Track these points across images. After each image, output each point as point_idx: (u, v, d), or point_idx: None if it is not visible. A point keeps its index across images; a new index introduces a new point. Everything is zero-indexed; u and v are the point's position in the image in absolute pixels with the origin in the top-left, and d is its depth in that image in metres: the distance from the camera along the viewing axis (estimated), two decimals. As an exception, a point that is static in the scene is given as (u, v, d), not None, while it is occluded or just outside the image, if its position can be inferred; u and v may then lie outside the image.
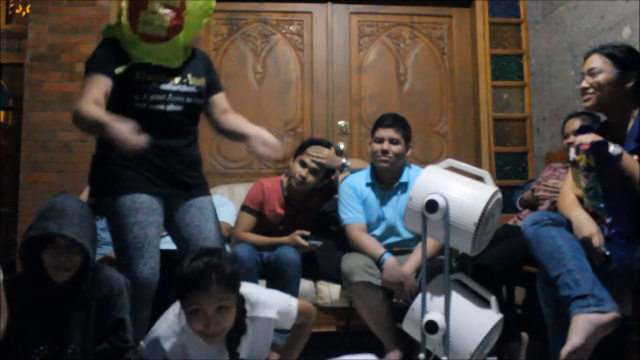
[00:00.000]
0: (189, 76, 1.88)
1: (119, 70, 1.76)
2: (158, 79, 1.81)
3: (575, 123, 2.36)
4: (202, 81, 1.91)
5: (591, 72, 1.79)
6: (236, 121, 1.96)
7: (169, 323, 1.51)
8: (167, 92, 1.82)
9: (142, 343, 1.53)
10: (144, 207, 1.77)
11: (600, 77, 1.76)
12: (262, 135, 1.83)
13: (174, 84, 1.84)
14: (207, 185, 1.99)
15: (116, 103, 1.78)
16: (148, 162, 1.79)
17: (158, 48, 1.79)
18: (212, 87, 1.98)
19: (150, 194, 1.79)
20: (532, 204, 2.47)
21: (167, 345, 1.49)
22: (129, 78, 1.78)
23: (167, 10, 1.74)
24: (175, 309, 1.52)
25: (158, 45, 1.78)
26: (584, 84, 1.81)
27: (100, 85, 1.75)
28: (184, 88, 1.85)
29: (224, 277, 1.40)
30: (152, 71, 1.81)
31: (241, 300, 1.49)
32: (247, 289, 1.53)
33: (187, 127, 1.90)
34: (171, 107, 1.82)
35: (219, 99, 2.00)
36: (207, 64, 1.99)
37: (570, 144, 1.83)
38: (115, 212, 1.77)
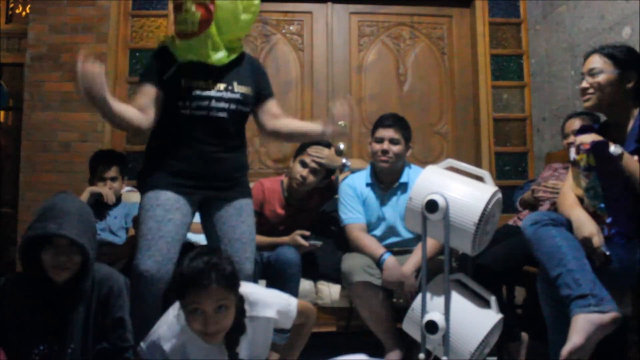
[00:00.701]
0: (235, 83, 1.89)
1: (167, 75, 1.83)
2: (202, 86, 1.84)
3: (575, 123, 2.37)
4: (248, 89, 1.93)
5: (591, 73, 1.79)
6: (292, 124, 2.03)
7: (169, 324, 1.51)
8: (210, 98, 1.84)
9: (142, 344, 1.53)
10: (167, 204, 1.80)
11: (601, 78, 1.76)
12: (328, 119, 1.90)
13: (218, 90, 1.86)
14: (248, 188, 2.01)
15: (165, 111, 1.86)
16: (188, 166, 1.85)
17: (194, 44, 1.82)
18: (262, 93, 2.00)
19: (178, 192, 1.82)
20: (532, 205, 2.47)
21: (167, 346, 1.49)
22: (175, 85, 1.83)
23: (198, 7, 1.78)
24: (174, 309, 1.52)
25: (193, 41, 1.81)
26: (584, 84, 1.80)
27: (145, 93, 1.84)
28: (228, 95, 1.87)
29: (223, 276, 1.40)
30: (197, 77, 1.84)
31: (240, 299, 1.49)
32: (247, 288, 1.53)
33: (232, 133, 1.91)
34: (214, 114, 1.85)
35: (271, 105, 2.02)
36: (256, 71, 2.00)
37: (570, 144, 1.84)
38: (141, 206, 1.84)
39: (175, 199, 1.81)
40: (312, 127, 1.99)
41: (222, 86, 1.87)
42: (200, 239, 2.21)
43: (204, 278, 1.38)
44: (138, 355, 1.55)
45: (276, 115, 2.02)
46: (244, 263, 1.89)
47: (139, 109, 1.80)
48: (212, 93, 1.85)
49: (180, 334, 1.49)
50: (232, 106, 1.88)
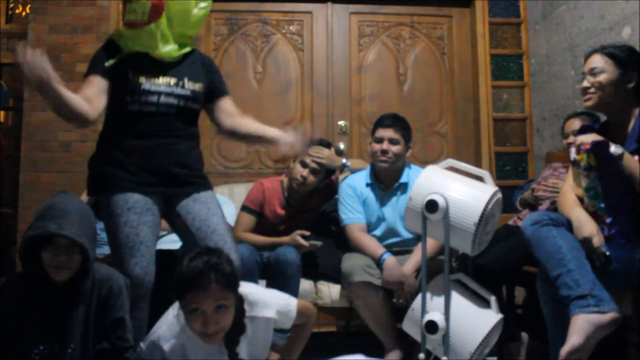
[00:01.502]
0: (186, 79, 1.87)
1: (109, 62, 1.79)
2: (151, 80, 1.81)
3: (575, 123, 2.36)
4: (199, 85, 1.90)
5: (592, 72, 1.78)
6: (252, 125, 1.99)
7: (168, 324, 1.51)
8: (159, 93, 1.81)
9: (142, 344, 1.53)
10: (137, 207, 1.77)
11: (602, 77, 1.76)
12: (287, 138, 1.89)
13: (168, 85, 1.83)
14: (208, 181, 1.97)
15: (112, 107, 1.82)
16: (143, 161, 1.80)
17: (141, 34, 1.79)
18: (216, 91, 1.97)
19: (144, 193, 1.79)
20: (532, 204, 2.47)
21: (166, 346, 1.49)
22: (123, 78, 1.79)
23: None
24: (174, 309, 1.52)
25: (141, 31, 1.78)
26: (585, 83, 1.80)
27: (93, 84, 1.79)
28: (177, 90, 1.84)
29: (223, 276, 1.40)
30: (144, 72, 1.81)
31: (240, 299, 1.49)
32: (246, 288, 1.53)
33: (182, 129, 1.88)
34: (163, 109, 1.82)
35: (225, 103, 1.99)
36: (208, 68, 1.97)
37: (570, 144, 1.83)
38: (109, 211, 1.78)
39: (143, 200, 1.78)
40: (269, 132, 1.95)
41: (172, 81, 1.84)
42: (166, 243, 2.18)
43: (203, 278, 1.38)
44: (138, 355, 1.55)
45: (232, 113, 1.99)
46: (229, 254, 1.87)
47: (86, 99, 1.73)
48: (162, 88, 1.82)
49: (180, 334, 1.49)
50: (182, 102, 1.85)
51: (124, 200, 1.76)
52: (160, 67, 1.83)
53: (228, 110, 1.99)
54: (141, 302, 1.74)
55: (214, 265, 1.40)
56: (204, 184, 1.93)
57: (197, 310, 1.39)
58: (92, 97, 1.76)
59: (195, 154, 1.94)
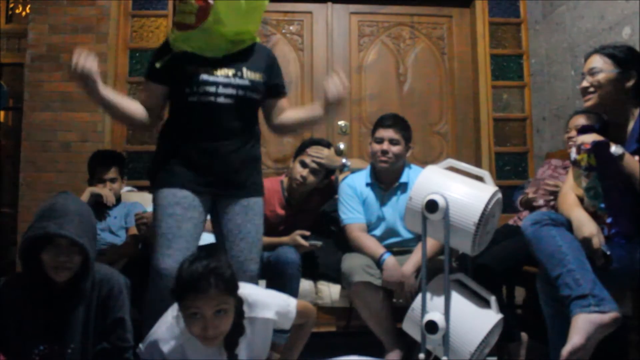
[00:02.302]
0: (244, 69, 1.86)
1: (158, 63, 1.82)
2: (209, 72, 1.82)
3: (580, 119, 2.35)
4: (258, 76, 1.89)
5: (591, 72, 1.79)
6: (295, 114, 1.99)
7: (168, 325, 1.51)
8: (217, 83, 1.82)
9: (140, 346, 1.53)
10: (184, 202, 1.79)
11: (600, 77, 1.77)
12: (332, 92, 1.84)
13: (226, 76, 1.83)
14: (261, 186, 1.97)
15: (174, 101, 1.88)
16: (197, 161, 1.83)
17: (191, 36, 1.80)
18: (274, 89, 1.97)
19: (193, 191, 1.81)
20: (532, 206, 2.47)
21: (165, 347, 1.48)
22: (181, 73, 1.82)
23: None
24: (173, 310, 1.52)
25: (191, 33, 1.80)
26: (585, 83, 1.81)
27: (148, 90, 1.89)
28: (236, 80, 1.84)
29: (222, 280, 1.40)
30: (203, 64, 1.82)
31: (239, 301, 1.49)
32: (245, 289, 1.53)
33: (241, 123, 1.87)
34: (221, 100, 1.82)
35: (281, 103, 1.99)
36: (269, 62, 1.96)
37: (570, 138, 1.83)
38: (157, 203, 1.83)
39: (191, 197, 1.80)
40: (314, 110, 1.95)
41: (230, 72, 1.84)
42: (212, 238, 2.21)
43: (203, 282, 1.37)
44: (138, 355, 1.55)
45: (283, 109, 2.00)
46: (249, 263, 1.87)
47: (142, 104, 1.84)
48: (220, 79, 1.82)
49: (179, 335, 1.48)
50: (241, 92, 1.85)
51: (172, 194, 1.80)
52: (218, 60, 1.84)
53: (281, 107, 1.99)
54: (166, 296, 1.64)
55: (213, 269, 1.40)
56: (255, 190, 1.93)
57: (197, 314, 1.39)
58: (148, 103, 1.87)
59: (252, 155, 1.93)
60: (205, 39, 1.80)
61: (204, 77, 1.81)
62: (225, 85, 1.82)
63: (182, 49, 1.82)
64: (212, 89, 1.81)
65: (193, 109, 1.82)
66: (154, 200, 1.85)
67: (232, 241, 1.86)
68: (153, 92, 1.88)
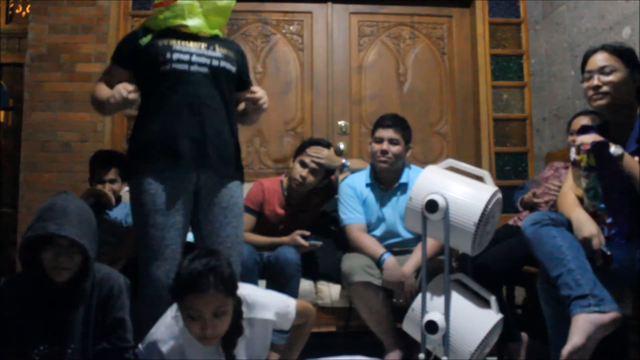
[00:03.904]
0: (216, 45, 1.89)
1: (143, 40, 1.84)
2: (182, 43, 1.84)
3: (583, 121, 2.32)
4: (232, 53, 1.91)
5: (604, 71, 1.73)
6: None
7: (167, 325, 1.51)
8: (190, 52, 1.83)
9: (140, 346, 1.53)
10: (164, 208, 1.76)
11: (614, 76, 1.72)
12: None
13: (199, 48, 1.85)
14: (242, 170, 1.95)
15: (144, 89, 1.86)
16: (177, 135, 1.77)
17: (170, 8, 1.83)
18: (242, 78, 1.98)
19: (173, 177, 1.77)
20: (532, 207, 2.47)
21: (164, 348, 1.48)
22: (153, 47, 1.83)
23: None
24: (172, 310, 1.52)
25: (170, 5, 1.83)
26: (595, 82, 1.74)
27: (112, 75, 1.91)
28: (209, 52, 1.86)
29: (222, 281, 1.40)
30: (175, 36, 1.84)
31: (238, 301, 1.49)
32: (245, 290, 1.53)
33: (219, 95, 1.85)
34: (195, 68, 1.82)
35: (243, 96, 1.98)
36: (239, 53, 1.99)
37: (573, 141, 1.82)
38: (136, 205, 1.79)
39: (171, 198, 1.76)
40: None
41: (203, 45, 1.87)
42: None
43: (202, 283, 1.37)
44: (137, 356, 1.55)
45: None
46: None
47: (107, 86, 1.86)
48: (192, 49, 1.84)
49: (178, 335, 1.48)
50: (215, 62, 1.85)
51: (152, 201, 1.75)
52: (191, 35, 1.87)
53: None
54: (160, 304, 1.67)
55: (212, 269, 1.39)
56: (238, 174, 1.91)
57: (196, 315, 1.39)
58: (108, 83, 1.88)
59: (234, 131, 1.91)
60: (183, 9, 1.83)
61: (177, 46, 1.82)
62: (199, 54, 1.84)
63: (162, 26, 1.84)
64: (185, 57, 1.82)
65: (166, 79, 1.79)
66: (132, 195, 1.81)
67: (210, 245, 1.83)
68: (116, 77, 1.88)
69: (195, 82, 1.81)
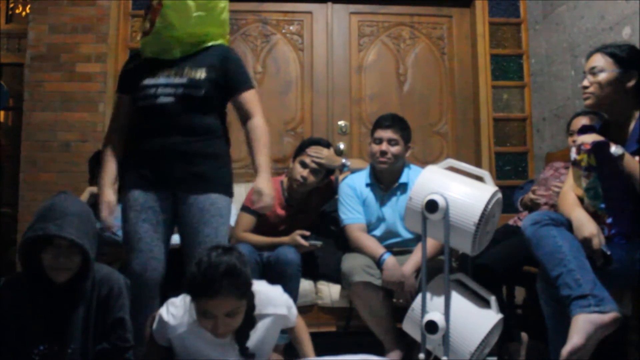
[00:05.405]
0: (186, 69, 1.90)
1: (126, 67, 2.00)
2: (154, 75, 1.89)
3: (582, 121, 2.34)
4: (201, 73, 1.88)
5: (592, 71, 1.79)
6: (253, 145, 1.96)
7: (182, 312, 1.53)
8: (157, 85, 1.88)
9: (160, 312, 1.55)
10: (136, 205, 1.85)
11: (601, 76, 1.76)
12: (259, 189, 1.91)
13: (167, 77, 1.88)
14: (225, 183, 1.94)
15: (133, 110, 1.95)
16: (150, 160, 1.88)
17: (147, 42, 1.92)
18: (231, 83, 1.95)
19: (145, 189, 1.86)
20: (532, 208, 2.47)
21: (174, 333, 1.52)
22: (135, 81, 1.91)
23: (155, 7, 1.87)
24: (187, 297, 1.52)
25: (147, 38, 1.91)
26: (585, 82, 1.81)
27: (118, 105, 2.01)
28: (175, 80, 1.88)
29: (235, 285, 1.40)
30: (150, 72, 1.90)
31: (251, 296, 1.49)
32: (256, 286, 1.54)
33: (188, 119, 1.87)
34: (162, 100, 1.87)
35: (242, 100, 1.95)
36: (222, 59, 1.93)
37: (574, 142, 1.82)
38: (122, 212, 1.90)
39: (143, 198, 1.85)
40: (257, 165, 1.96)
41: (171, 72, 1.89)
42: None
43: (216, 285, 1.37)
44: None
45: (246, 114, 1.95)
46: None
47: (116, 132, 1.97)
48: (160, 81, 1.88)
49: (191, 323, 1.50)
50: (179, 90, 1.86)
51: (125, 201, 1.88)
52: (166, 63, 1.90)
53: (243, 109, 1.96)
54: (142, 299, 1.78)
55: (227, 273, 1.38)
56: (216, 186, 1.89)
57: (209, 315, 1.41)
58: (122, 121, 1.98)
59: (208, 150, 1.90)
60: (158, 43, 1.89)
61: (146, 81, 1.89)
62: (165, 85, 1.88)
63: (145, 56, 1.93)
64: (151, 91, 1.88)
65: (141, 113, 1.91)
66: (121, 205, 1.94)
67: (188, 246, 1.85)
68: (124, 104, 1.97)
69: (162, 112, 1.87)
